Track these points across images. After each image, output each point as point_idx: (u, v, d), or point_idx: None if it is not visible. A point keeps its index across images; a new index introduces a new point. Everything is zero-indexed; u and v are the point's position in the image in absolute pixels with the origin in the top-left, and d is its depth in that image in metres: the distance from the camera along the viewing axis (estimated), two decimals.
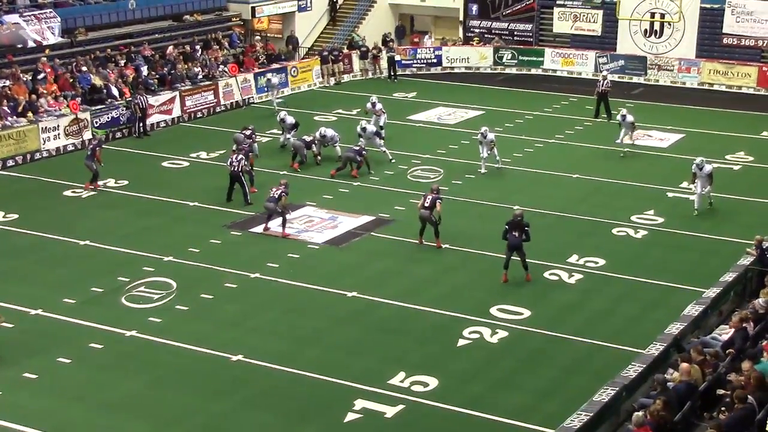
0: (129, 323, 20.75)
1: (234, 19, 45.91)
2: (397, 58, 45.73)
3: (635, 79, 44.52)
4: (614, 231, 25.86)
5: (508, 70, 46.65)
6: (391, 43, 46.49)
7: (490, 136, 30.36)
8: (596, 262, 24.03)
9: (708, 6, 44.34)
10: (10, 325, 20.51)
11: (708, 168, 27.15)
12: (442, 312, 21.34)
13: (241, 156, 28.31)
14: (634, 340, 19.65)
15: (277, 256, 24.37)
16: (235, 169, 27.96)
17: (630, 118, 32.64)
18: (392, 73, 44.96)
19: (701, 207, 27.31)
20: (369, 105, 35.00)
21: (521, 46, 47.29)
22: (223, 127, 36.43)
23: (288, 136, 32.88)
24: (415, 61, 46.90)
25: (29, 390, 18.19)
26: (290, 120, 33.05)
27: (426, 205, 24.61)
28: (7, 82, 34.16)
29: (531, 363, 19.36)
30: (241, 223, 26.60)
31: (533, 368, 19.15)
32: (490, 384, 18.56)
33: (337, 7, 49.16)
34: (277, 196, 25.51)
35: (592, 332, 20.44)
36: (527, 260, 22.84)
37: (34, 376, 18.60)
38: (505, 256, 22.79)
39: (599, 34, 46.51)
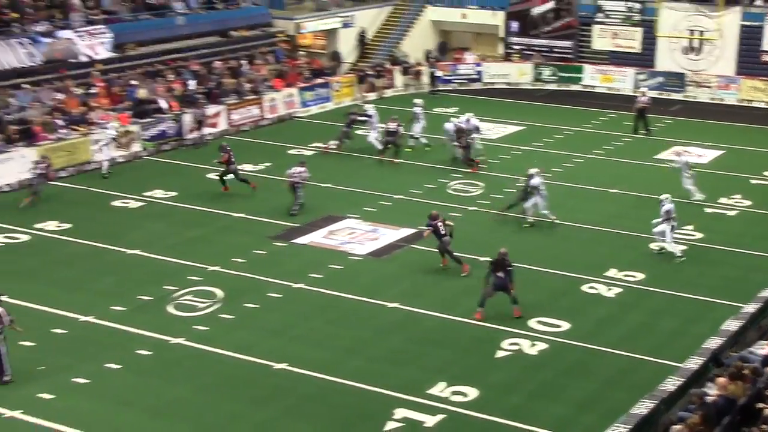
0: (175, 331, 21.20)
1: (279, 35, 46.60)
2: (438, 73, 46.18)
3: (674, 96, 44.62)
4: (653, 245, 26.00)
5: (547, 86, 46.93)
6: (432, 60, 46.95)
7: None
8: (635, 276, 24.23)
9: (748, 23, 44.39)
10: (63, 331, 21.14)
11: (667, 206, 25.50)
12: (481, 323, 21.63)
13: (303, 168, 28.77)
14: (672, 354, 19.81)
15: (320, 266, 24.79)
16: (296, 180, 28.50)
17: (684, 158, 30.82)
18: (433, 89, 45.43)
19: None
20: (464, 120, 34.50)
21: (561, 63, 47.56)
22: (268, 140, 37.02)
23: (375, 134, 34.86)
24: (455, 77, 47.31)
25: (80, 394, 18.66)
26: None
27: (442, 232, 24.27)
28: (60, 96, 35.01)
29: (570, 375, 19.56)
30: (285, 234, 27.06)
31: (572, 380, 19.35)
32: (528, 395, 18.79)
33: (365, 40, 49.37)
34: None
35: (631, 345, 20.61)
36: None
37: (85, 381, 19.06)
38: (483, 294, 21.80)
39: (638, 51, 46.68)
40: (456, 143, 33.28)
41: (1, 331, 18.81)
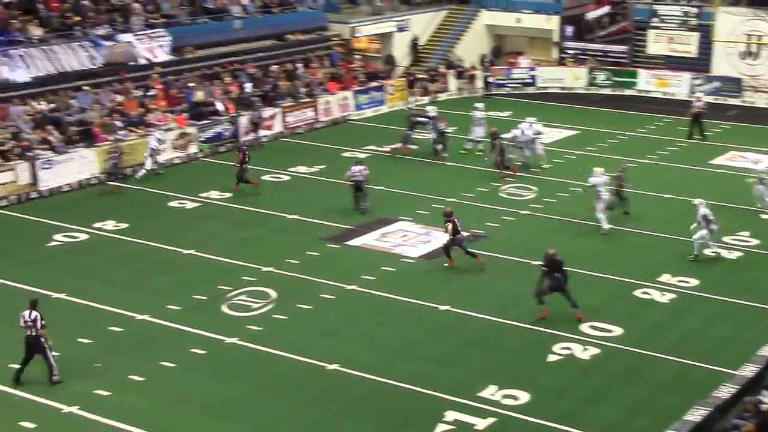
0: (230, 330, 21.47)
1: (334, 38, 46.92)
2: (491, 78, 46.09)
3: (730, 101, 44.15)
4: (707, 251, 25.81)
5: (602, 91, 46.69)
6: (487, 64, 46.97)
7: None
8: (688, 282, 24.09)
9: None
10: (119, 329, 21.51)
11: (703, 210, 25.50)
12: (533, 327, 21.65)
13: (363, 166, 29.14)
14: (726, 361, 19.69)
15: (372, 268, 24.95)
16: (359, 179, 28.87)
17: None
18: (486, 93, 45.39)
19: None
20: (527, 126, 34.32)
21: (615, 67, 47.29)
22: (322, 143, 37.30)
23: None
24: (509, 81, 47.26)
25: (135, 391, 18.99)
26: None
27: (459, 229, 24.70)
28: (120, 98, 35.59)
29: (622, 380, 19.51)
30: (338, 236, 27.27)
31: (624, 385, 19.30)
32: (580, 399, 18.77)
33: (418, 47, 49.41)
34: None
35: (684, 351, 20.51)
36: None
37: (141, 379, 19.40)
38: (539, 293, 21.93)
39: (694, 56, 46.28)
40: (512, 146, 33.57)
41: (40, 336, 19.04)
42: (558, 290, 21.81)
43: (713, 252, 25.57)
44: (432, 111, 36.13)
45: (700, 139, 37.23)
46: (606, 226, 27.53)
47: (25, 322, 19.04)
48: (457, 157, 35.15)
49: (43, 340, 19.05)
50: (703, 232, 25.30)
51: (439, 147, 34.76)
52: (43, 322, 19.10)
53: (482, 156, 34.97)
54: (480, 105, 37.14)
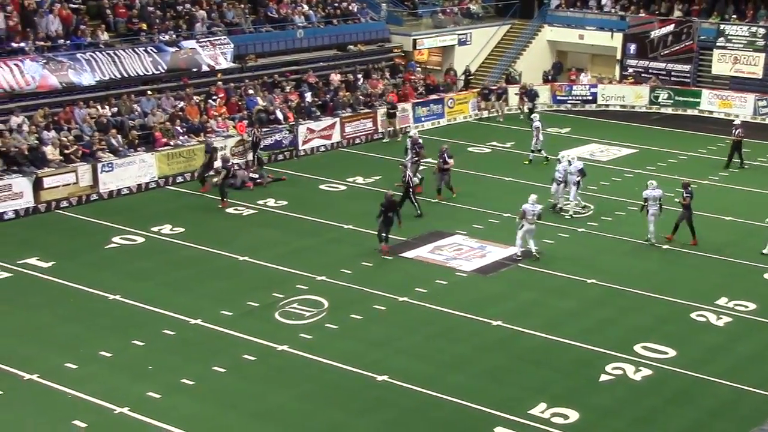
0: (281, 338, 21.56)
1: (395, 50, 47.03)
2: (540, 97, 45.16)
3: None
4: (766, 276, 25.40)
5: (663, 110, 46.22)
6: (530, 84, 45.73)
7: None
8: (746, 306, 23.70)
9: None
10: (172, 333, 21.73)
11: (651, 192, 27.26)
12: (585, 346, 21.46)
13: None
14: None
15: (425, 281, 24.92)
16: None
17: None
18: (530, 109, 44.14)
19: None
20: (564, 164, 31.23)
21: (678, 87, 46.79)
22: (380, 154, 37.38)
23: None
24: (570, 98, 47.02)
25: (186, 395, 19.14)
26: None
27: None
28: (181, 104, 36.03)
29: (674, 403, 19.26)
30: (392, 248, 27.20)
31: (676, 408, 19.04)
32: (631, 421, 18.55)
33: (470, 76, 48.59)
34: None
35: (740, 376, 20.18)
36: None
37: (191, 383, 19.55)
38: (380, 232, 26.51)
39: (760, 77, 45.62)
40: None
41: None
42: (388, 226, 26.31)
43: None
44: (536, 120, 36.55)
45: (740, 166, 36.32)
46: (652, 236, 27.63)
47: None
48: (515, 171, 35.02)
49: None
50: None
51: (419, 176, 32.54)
52: None
53: (541, 169, 34.97)
54: (536, 116, 37.36)
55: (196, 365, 20.26)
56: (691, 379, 20.17)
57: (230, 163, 31.92)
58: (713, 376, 20.24)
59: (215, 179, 31.54)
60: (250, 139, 35.20)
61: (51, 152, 31.09)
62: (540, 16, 51.69)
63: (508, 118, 43.90)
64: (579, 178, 30.39)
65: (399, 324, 22.62)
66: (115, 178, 32.06)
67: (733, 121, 37.77)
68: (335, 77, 42.01)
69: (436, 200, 31.48)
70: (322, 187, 33.19)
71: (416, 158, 33.06)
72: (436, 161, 32.26)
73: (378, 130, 40.33)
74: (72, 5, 37.13)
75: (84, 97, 34.39)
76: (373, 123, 40.31)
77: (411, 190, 29.84)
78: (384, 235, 26.80)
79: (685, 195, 27.74)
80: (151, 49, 37.05)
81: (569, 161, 30.82)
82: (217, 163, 32.42)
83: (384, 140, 39.96)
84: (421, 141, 33.94)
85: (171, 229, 28.64)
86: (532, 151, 36.36)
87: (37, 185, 30.24)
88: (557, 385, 19.81)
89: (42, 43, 34.67)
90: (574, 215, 30.27)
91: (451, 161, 31.76)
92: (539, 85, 46.80)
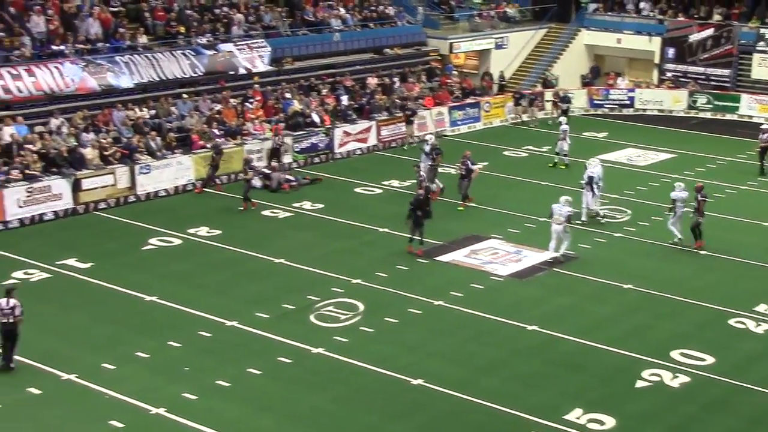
0: (316, 341, 21.58)
1: (432, 53, 47.00)
2: (572, 103, 44.82)
3: None
4: None
5: (702, 115, 45.86)
6: (563, 90, 45.36)
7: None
8: None
9: None
10: (208, 334, 21.84)
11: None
12: (621, 352, 21.31)
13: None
14: None
15: (461, 285, 24.88)
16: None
17: None
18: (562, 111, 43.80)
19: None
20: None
21: (717, 91, 46.40)
22: (416, 158, 37.24)
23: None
24: (607, 102, 46.77)
25: (222, 396, 19.20)
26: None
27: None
28: (218, 107, 36.23)
29: (712, 410, 19.10)
30: (427, 251, 27.22)
31: (714, 416, 18.89)
32: (667, 428, 18.40)
33: (504, 82, 48.37)
34: None
35: None
36: None
37: (227, 384, 19.61)
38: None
39: None
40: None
41: (17, 323, 19.71)
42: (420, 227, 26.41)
43: None
44: (563, 123, 36.82)
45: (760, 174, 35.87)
46: (678, 236, 27.57)
47: (2, 309, 19.63)
48: (551, 175, 34.89)
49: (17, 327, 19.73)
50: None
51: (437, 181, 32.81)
52: (21, 309, 19.74)
53: (565, 169, 35.23)
54: (563, 119, 37.56)
55: (231, 367, 20.32)
56: (730, 386, 19.97)
57: (254, 165, 32.15)
58: (752, 383, 20.03)
59: (247, 176, 31.40)
60: (272, 141, 35.21)
61: (90, 154, 31.39)
62: (577, 20, 51.47)
63: (542, 123, 43.69)
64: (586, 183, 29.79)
65: (434, 328, 22.58)
66: (152, 180, 32.30)
67: (762, 125, 37.41)
68: (372, 80, 42.09)
69: (463, 207, 31.28)
70: (357, 190, 33.21)
71: (433, 164, 32.87)
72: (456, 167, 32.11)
73: (413, 133, 40.24)
74: (111, 8, 37.50)
75: (122, 99, 34.70)
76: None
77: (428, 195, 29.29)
78: (418, 237, 26.81)
79: (699, 198, 27.43)
80: (189, 52, 37.30)
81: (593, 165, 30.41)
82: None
83: (404, 147, 39.68)
84: (439, 147, 33.71)
85: (207, 231, 28.79)
86: (557, 154, 36.23)
87: (76, 187, 30.52)
88: (593, 391, 19.69)
89: (81, 45, 35.02)
90: (585, 221, 29.64)
91: (475, 168, 31.55)
92: (577, 89, 46.68)
